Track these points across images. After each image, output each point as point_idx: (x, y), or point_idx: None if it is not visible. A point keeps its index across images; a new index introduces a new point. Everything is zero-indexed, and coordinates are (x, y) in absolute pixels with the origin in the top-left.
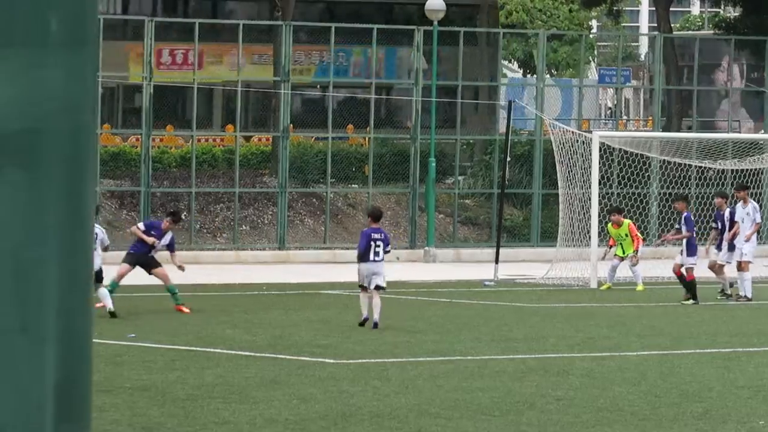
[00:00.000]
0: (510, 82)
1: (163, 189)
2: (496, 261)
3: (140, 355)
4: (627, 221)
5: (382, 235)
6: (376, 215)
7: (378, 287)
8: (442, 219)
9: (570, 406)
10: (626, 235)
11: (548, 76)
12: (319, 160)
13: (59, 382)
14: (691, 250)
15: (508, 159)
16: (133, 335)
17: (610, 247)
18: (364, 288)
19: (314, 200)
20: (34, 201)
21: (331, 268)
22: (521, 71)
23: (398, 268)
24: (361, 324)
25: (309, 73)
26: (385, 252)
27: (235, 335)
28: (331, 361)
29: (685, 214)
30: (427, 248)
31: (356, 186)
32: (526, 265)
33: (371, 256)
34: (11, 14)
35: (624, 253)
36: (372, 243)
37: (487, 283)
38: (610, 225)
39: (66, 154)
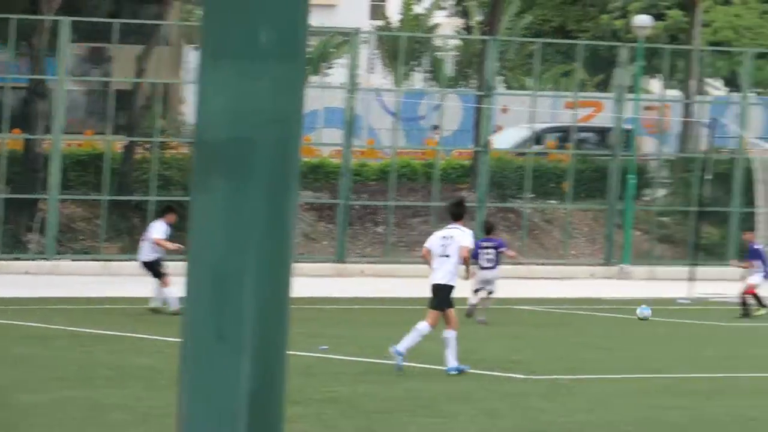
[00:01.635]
0: (713, 100)
1: (362, 202)
2: (692, 279)
3: (331, 367)
4: None
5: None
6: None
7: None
8: (638, 236)
9: (764, 427)
10: None
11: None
12: (518, 175)
13: (253, 392)
14: None
15: (709, 177)
16: (325, 347)
17: None
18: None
19: (511, 215)
20: (238, 210)
21: (523, 283)
22: (726, 89)
23: (593, 284)
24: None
25: None
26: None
27: (428, 348)
28: (522, 376)
29: None
30: (622, 265)
31: (554, 202)
32: (723, 283)
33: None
34: (224, 27)
35: None
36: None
37: (681, 300)
38: None
39: (272, 164)
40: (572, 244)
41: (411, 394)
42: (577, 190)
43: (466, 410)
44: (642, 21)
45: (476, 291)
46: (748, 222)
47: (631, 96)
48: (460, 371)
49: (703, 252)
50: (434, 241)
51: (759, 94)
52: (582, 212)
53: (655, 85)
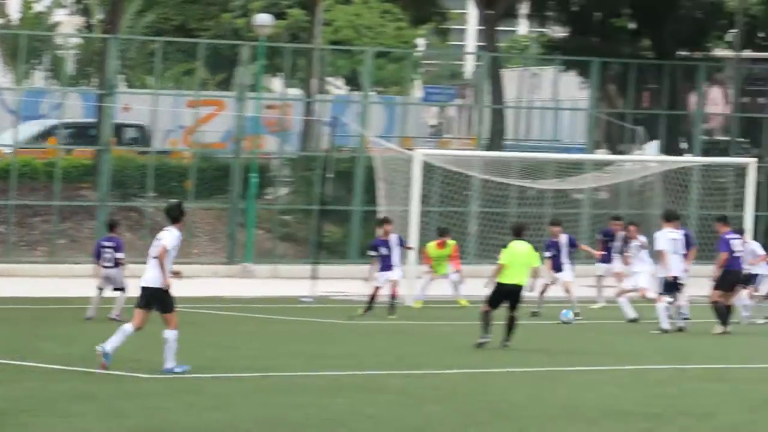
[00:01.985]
0: (334, 99)
1: None
2: (314, 277)
3: None
4: (452, 242)
5: None
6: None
7: None
8: (261, 235)
9: (381, 423)
10: (448, 256)
11: (373, 93)
12: (140, 174)
13: None
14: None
15: (330, 176)
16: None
17: (430, 266)
18: None
19: (134, 214)
20: None
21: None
22: (347, 88)
23: (216, 283)
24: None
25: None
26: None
27: (49, 348)
28: (146, 375)
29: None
30: (245, 264)
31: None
32: (344, 282)
33: None
34: None
35: (438, 272)
36: None
37: (304, 299)
38: (433, 244)
39: None
40: (195, 243)
41: (32, 393)
42: (199, 188)
43: (91, 410)
44: (263, 20)
45: (100, 289)
46: (369, 221)
47: (252, 95)
48: (175, 372)
49: (325, 250)
50: (154, 243)
51: (379, 93)
52: (204, 211)
53: (276, 83)
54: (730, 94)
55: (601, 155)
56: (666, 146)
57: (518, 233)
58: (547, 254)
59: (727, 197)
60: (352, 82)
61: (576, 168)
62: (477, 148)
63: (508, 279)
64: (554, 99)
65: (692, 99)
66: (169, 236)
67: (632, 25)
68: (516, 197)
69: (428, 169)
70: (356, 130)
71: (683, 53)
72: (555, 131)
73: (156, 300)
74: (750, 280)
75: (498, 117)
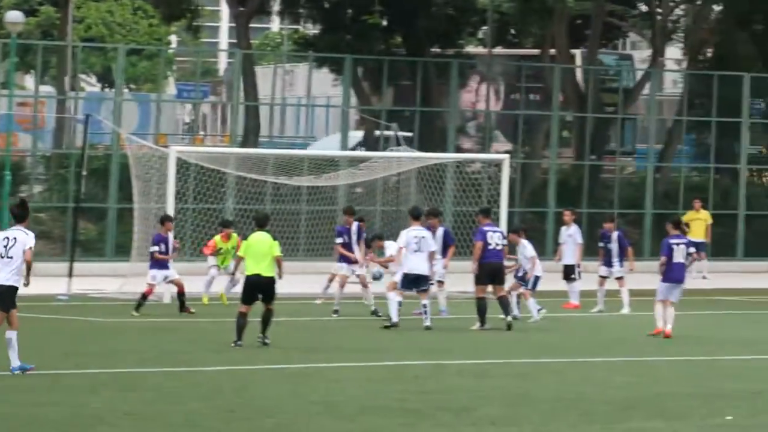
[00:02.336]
0: (87, 96)
1: None
2: (70, 275)
3: None
4: (236, 235)
5: None
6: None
7: None
8: None
9: (141, 421)
10: (233, 248)
11: (127, 90)
12: None
13: None
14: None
15: (84, 173)
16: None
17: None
18: None
19: None
20: None
21: None
22: (100, 85)
23: None
24: None
25: None
26: None
27: None
28: None
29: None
30: None
31: None
32: (100, 279)
33: None
34: None
35: (222, 264)
36: None
37: (60, 297)
38: (218, 237)
39: None
40: None
41: None
42: None
43: None
44: (14, 17)
45: None
46: (125, 218)
47: (5, 92)
48: (24, 370)
49: (81, 248)
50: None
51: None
52: None
53: (29, 81)
54: (500, 90)
55: (356, 152)
56: (420, 142)
57: (261, 224)
58: (339, 240)
59: (481, 193)
60: (105, 79)
61: (331, 164)
62: (232, 145)
63: (250, 270)
64: (308, 96)
65: (466, 97)
66: (27, 237)
67: (385, 22)
68: (272, 194)
69: (183, 166)
70: (110, 127)
71: (436, 50)
72: (309, 128)
73: (5, 297)
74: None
75: (252, 114)
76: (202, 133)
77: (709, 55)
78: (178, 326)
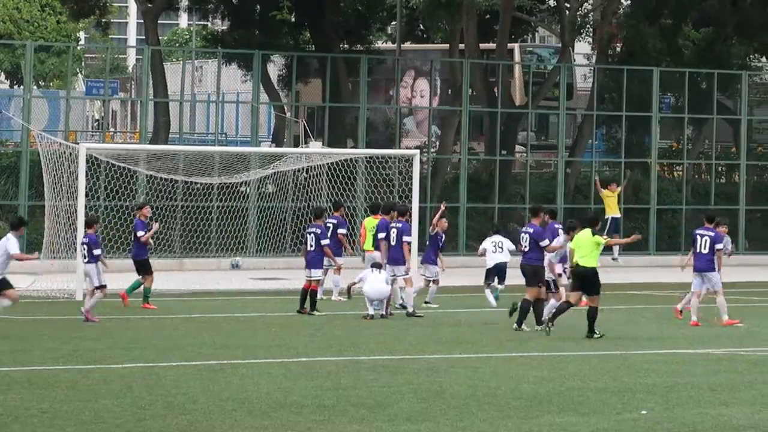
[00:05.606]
0: None
1: None
2: None
3: None
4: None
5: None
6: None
7: None
8: None
9: (55, 418)
10: None
11: (35, 87)
12: None
13: None
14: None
15: None
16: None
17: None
18: None
19: None
20: None
21: None
22: (8, 82)
23: None
24: None
25: None
26: None
27: None
28: None
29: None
30: None
31: None
32: (10, 276)
33: None
34: None
35: None
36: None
37: None
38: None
39: None
40: None
41: None
42: None
43: None
44: None
45: None
46: (36, 216)
47: None
48: None
49: None
50: None
51: (42, 87)
52: None
53: None
54: (437, 86)
55: (266, 148)
56: (330, 139)
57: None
58: (381, 236)
59: (393, 188)
60: (14, 76)
61: (241, 161)
62: (142, 142)
63: None
64: (218, 92)
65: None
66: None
67: (293, 18)
68: (183, 191)
69: (93, 163)
70: (20, 124)
71: (345, 46)
72: (220, 124)
73: None
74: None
75: (162, 111)
76: (111, 129)
77: (618, 49)
78: (82, 324)
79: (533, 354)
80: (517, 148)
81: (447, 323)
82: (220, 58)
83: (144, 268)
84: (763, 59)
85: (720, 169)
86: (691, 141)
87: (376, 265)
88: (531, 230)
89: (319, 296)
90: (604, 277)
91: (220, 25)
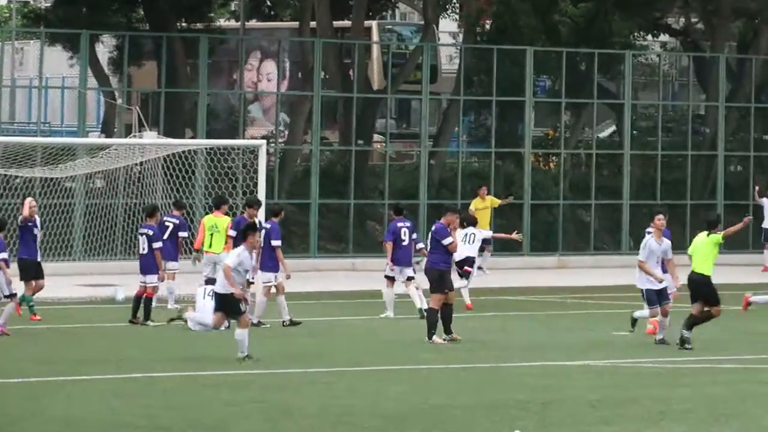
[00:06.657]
0: None
1: None
2: None
3: None
4: None
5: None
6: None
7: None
8: None
9: None
10: None
11: None
12: None
13: None
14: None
15: None
16: None
17: None
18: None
19: None
20: None
21: None
22: None
23: None
24: None
25: None
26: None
27: None
28: None
29: None
30: None
31: None
32: None
33: None
34: None
35: None
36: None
37: None
38: None
39: None
40: None
41: None
42: None
43: None
44: None
45: None
46: None
47: None
48: None
49: None
50: None
51: None
52: None
53: None
54: (285, 68)
55: (94, 139)
56: (166, 127)
57: None
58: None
59: (237, 183)
60: None
61: (67, 153)
62: None
63: None
64: (40, 77)
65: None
66: None
67: None
68: (1, 186)
69: None
70: None
71: (184, 25)
72: (43, 113)
73: None
74: None
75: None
76: None
77: (487, 27)
78: None
79: (394, 367)
80: (375, 137)
81: (299, 334)
82: (43, 38)
83: None
84: (649, 37)
85: (601, 159)
86: (569, 128)
87: (210, 281)
88: (434, 228)
89: (154, 304)
90: (476, 282)
91: (42, 1)
